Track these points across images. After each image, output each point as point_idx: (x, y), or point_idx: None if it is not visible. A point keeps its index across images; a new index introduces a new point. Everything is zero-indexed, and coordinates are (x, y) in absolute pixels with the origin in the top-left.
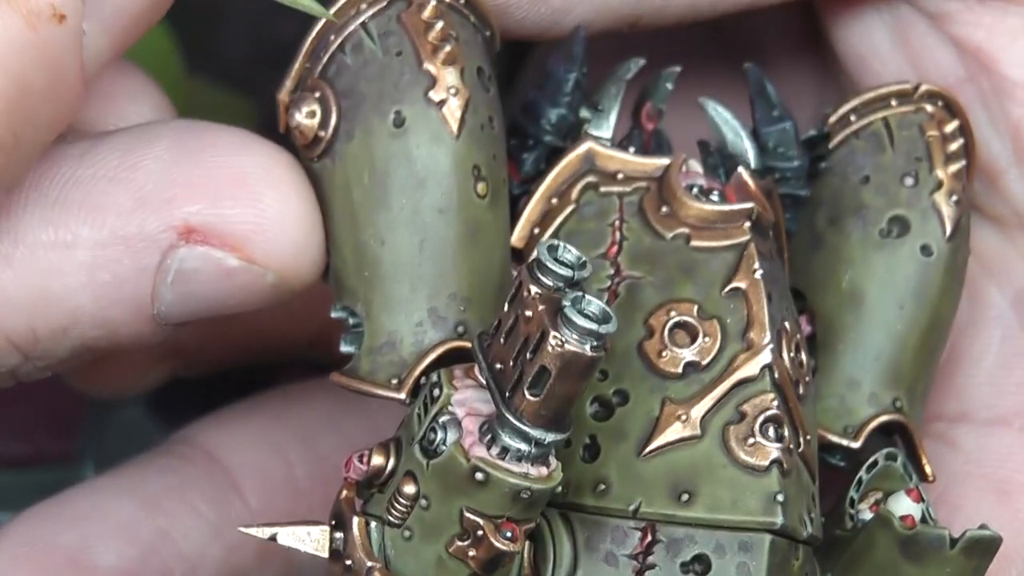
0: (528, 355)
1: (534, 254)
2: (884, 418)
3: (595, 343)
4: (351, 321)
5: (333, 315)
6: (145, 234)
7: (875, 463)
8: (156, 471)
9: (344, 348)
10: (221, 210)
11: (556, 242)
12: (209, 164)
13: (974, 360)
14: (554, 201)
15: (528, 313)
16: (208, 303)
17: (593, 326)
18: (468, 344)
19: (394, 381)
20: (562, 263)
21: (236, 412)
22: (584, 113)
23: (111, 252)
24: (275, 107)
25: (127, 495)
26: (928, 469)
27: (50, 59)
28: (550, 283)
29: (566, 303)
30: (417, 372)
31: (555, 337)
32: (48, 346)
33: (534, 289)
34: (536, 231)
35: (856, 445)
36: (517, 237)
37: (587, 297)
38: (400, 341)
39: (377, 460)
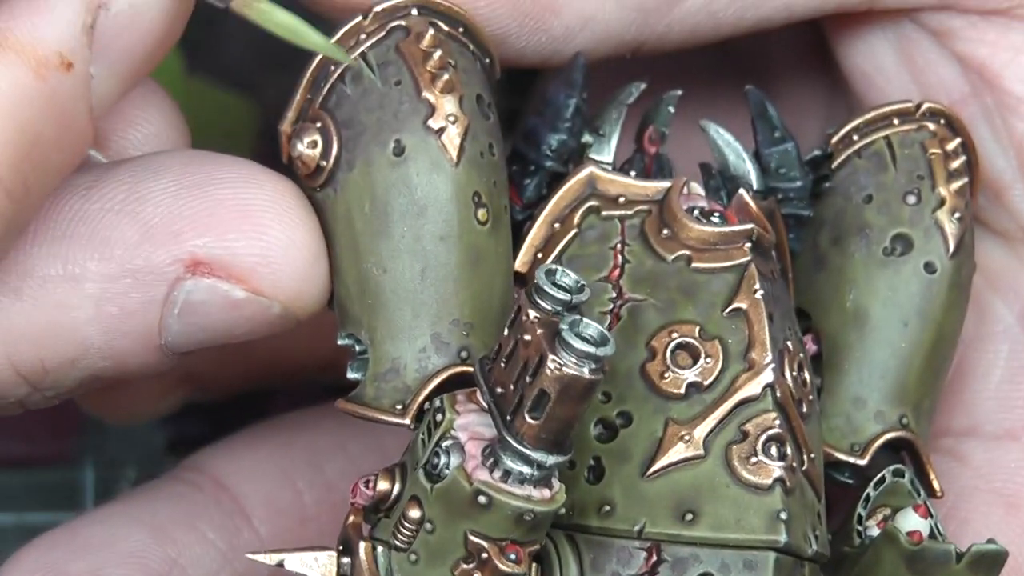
0: (528, 379)
1: (533, 278)
2: (891, 435)
3: (593, 366)
4: (357, 348)
5: (339, 342)
6: (152, 267)
7: (882, 480)
8: (165, 499)
9: (351, 374)
10: (227, 243)
11: (554, 266)
12: (215, 197)
13: (981, 374)
14: (556, 226)
15: (527, 337)
16: (215, 333)
17: (591, 349)
18: (471, 369)
19: (399, 407)
20: (560, 287)
21: (244, 438)
22: (586, 137)
23: (119, 285)
24: (275, 108)
25: (137, 523)
26: (936, 485)
27: (59, 107)
28: (548, 307)
29: (563, 326)
30: (421, 398)
31: (553, 361)
32: (56, 377)
33: (533, 313)
34: (539, 256)
35: (863, 462)
36: (520, 262)
37: (585, 320)
38: (404, 367)
39: (383, 485)
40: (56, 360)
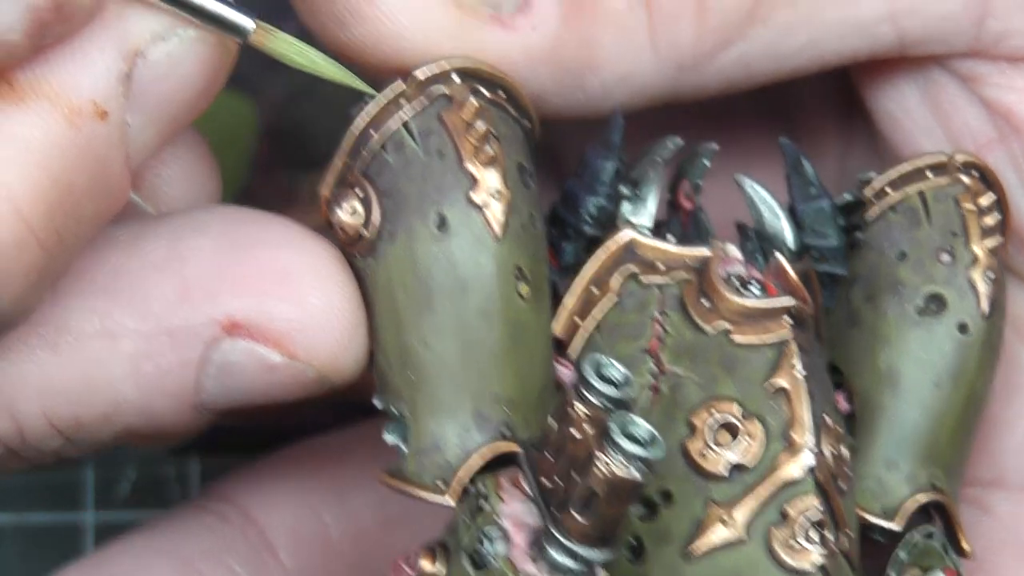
0: (575, 476)
1: (578, 369)
2: (922, 498)
3: (642, 467)
4: (393, 410)
5: (377, 405)
6: (190, 327)
7: (913, 541)
8: (191, 531)
9: (387, 437)
10: (266, 306)
11: (602, 358)
12: (255, 259)
13: (1008, 425)
14: (594, 290)
15: (575, 433)
16: (250, 394)
17: (640, 451)
18: (513, 446)
19: (440, 484)
20: (608, 381)
21: (269, 466)
22: (622, 189)
23: (156, 344)
24: (275, 108)
25: (164, 556)
26: (966, 545)
27: (93, 156)
28: (596, 402)
29: (613, 426)
30: (463, 476)
31: (602, 462)
32: (91, 431)
33: (580, 408)
34: (577, 320)
35: (896, 527)
36: (558, 327)
37: (634, 419)
38: (445, 444)
39: (425, 566)
40: (91, 415)
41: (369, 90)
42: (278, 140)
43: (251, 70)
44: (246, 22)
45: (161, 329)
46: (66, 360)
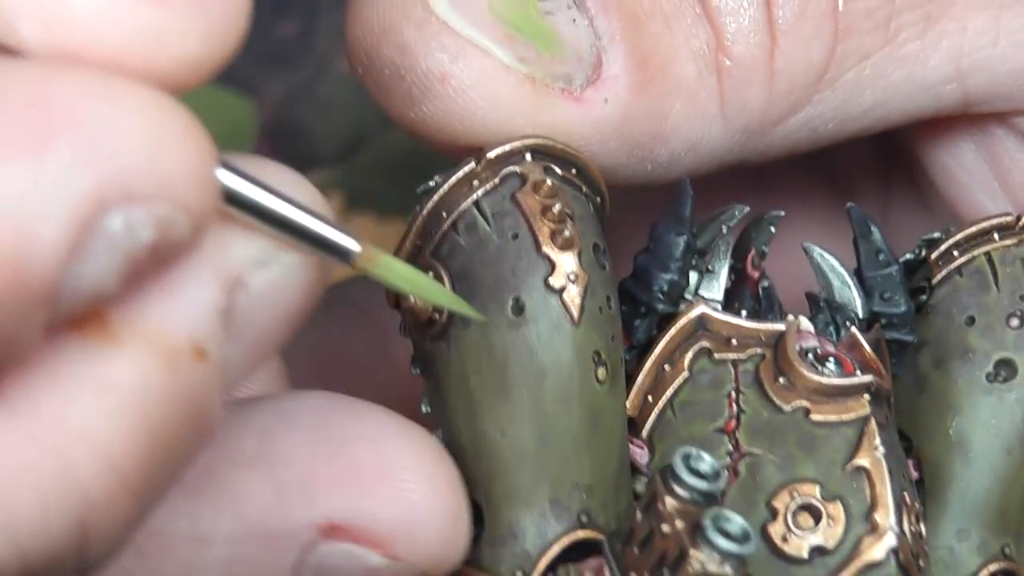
0: (666, 572)
1: (668, 462)
2: (994, 567)
3: (736, 563)
4: None
5: None
6: (286, 530)
7: None
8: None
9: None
10: (367, 507)
11: (691, 450)
12: (353, 455)
13: None
14: (667, 368)
15: (665, 528)
16: None
17: (735, 547)
18: (593, 534)
19: (519, 574)
20: (697, 474)
21: None
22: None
23: (249, 548)
24: (275, 108)
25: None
26: None
27: (190, 400)
28: (686, 495)
29: (706, 522)
30: (543, 565)
31: (696, 559)
32: None
33: (670, 502)
34: (649, 399)
35: None
36: (630, 406)
37: (726, 513)
38: (523, 533)
39: None
40: None
41: (478, 315)
42: (278, 140)
43: (251, 70)
44: (352, 244)
45: (255, 533)
46: (154, 566)
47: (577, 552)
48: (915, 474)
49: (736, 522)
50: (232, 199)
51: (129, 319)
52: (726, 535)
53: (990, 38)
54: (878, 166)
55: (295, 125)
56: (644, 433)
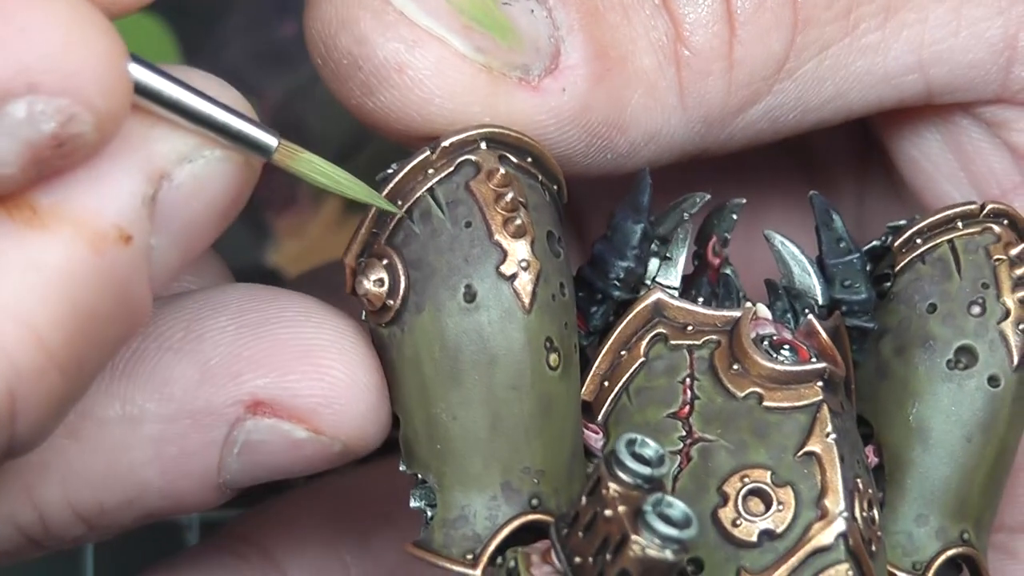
0: (608, 555)
1: (613, 448)
2: (951, 552)
3: (676, 548)
4: (419, 476)
5: (401, 469)
6: (213, 408)
7: None
8: (212, 571)
9: (413, 504)
10: (289, 384)
11: (635, 436)
12: (275, 336)
13: None
14: (623, 354)
15: (608, 512)
16: (274, 471)
17: (675, 532)
18: (542, 517)
19: (469, 556)
20: (641, 459)
21: (290, 506)
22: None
23: (178, 427)
24: (274, 108)
25: None
26: None
27: (117, 282)
28: (629, 480)
29: (647, 508)
30: (492, 547)
31: (636, 543)
32: (113, 517)
33: (613, 487)
34: (605, 384)
35: None
36: (586, 391)
37: (668, 499)
38: (474, 515)
39: None
40: (114, 501)
41: (393, 208)
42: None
43: (251, 70)
44: (270, 140)
45: (184, 412)
46: (88, 447)
47: (531, 536)
48: (875, 460)
49: (678, 507)
50: (151, 96)
51: (57, 205)
52: (667, 520)
53: (951, 29)
54: (855, 157)
55: (295, 125)
56: (600, 418)
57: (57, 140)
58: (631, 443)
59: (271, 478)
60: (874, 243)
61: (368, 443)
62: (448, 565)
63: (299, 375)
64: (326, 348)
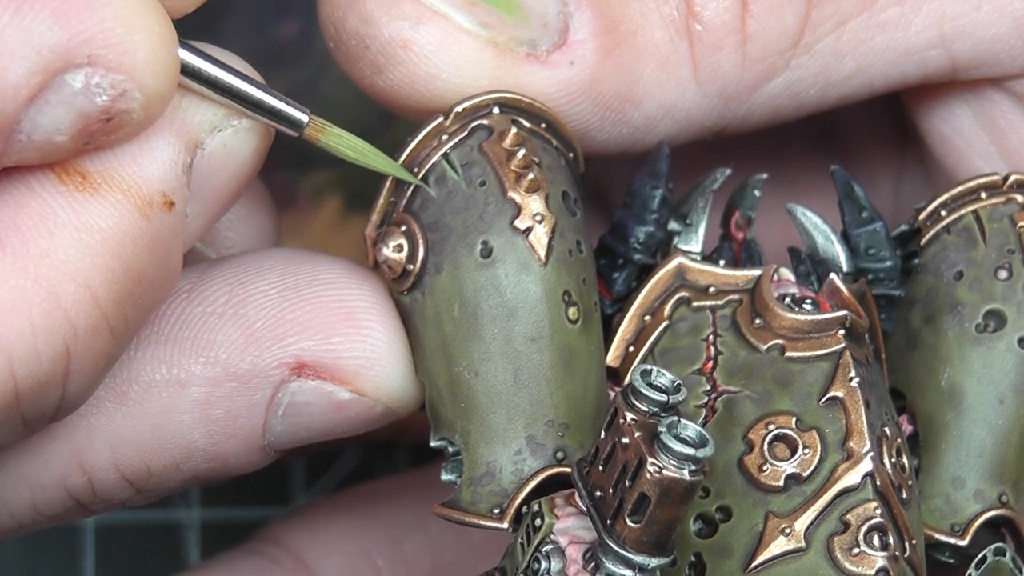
0: (627, 482)
1: (627, 379)
2: (990, 514)
3: (693, 468)
4: (450, 450)
5: (432, 444)
6: (258, 370)
7: (984, 559)
8: (244, 572)
9: (444, 477)
10: (332, 345)
11: (649, 367)
12: (317, 299)
13: None
14: (647, 319)
15: (625, 440)
16: (317, 432)
17: (690, 451)
18: (568, 470)
19: (496, 511)
20: (656, 388)
21: (323, 510)
22: (673, 225)
23: (224, 389)
24: None
25: None
26: None
27: (160, 245)
28: (645, 408)
29: (662, 429)
30: (518, 501)
31: (652, 464)
32: (160, 479)
33: (629, 416)
34: (631, 349)
35: (964, 543)
36: (612, 356)
37: (683, 421)
38: (500, 471)
39: None
40: (161, 464)
41: (418, 182)
42: (278, 139)
43: None
44: (301, 116)
45: (229, 374)
46: (135, 410)
47: (556, 489)
48: (910, 428)
49: (692, 428)
50: (196, 76)
51: (106, 172)
52: (682, 440)
53: (973, 3)
54: (891, 141)
55: None
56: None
57: (108, 114)
58: (646, 373)
59: (314, 439)
60: (903, 228)
61: (408, 405)
62: (476, 521)
63: (342, 337)
64: (367, 310)
